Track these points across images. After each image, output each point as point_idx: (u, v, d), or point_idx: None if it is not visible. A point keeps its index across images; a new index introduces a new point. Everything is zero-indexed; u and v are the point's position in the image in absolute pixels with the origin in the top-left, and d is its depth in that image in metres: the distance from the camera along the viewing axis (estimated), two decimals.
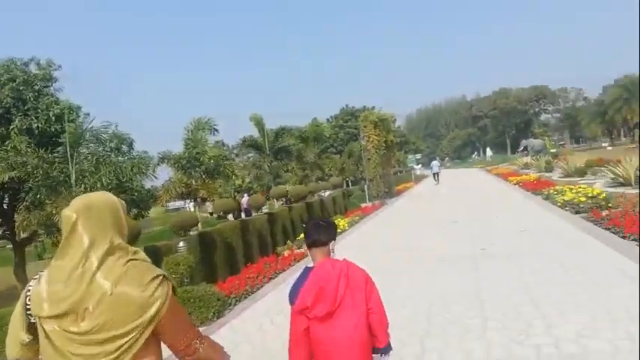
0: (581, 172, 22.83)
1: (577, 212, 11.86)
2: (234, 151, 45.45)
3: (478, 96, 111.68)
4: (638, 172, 15.28)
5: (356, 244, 12.46)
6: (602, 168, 20.29)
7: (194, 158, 12.67)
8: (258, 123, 20.03)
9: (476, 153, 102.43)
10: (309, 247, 2.59)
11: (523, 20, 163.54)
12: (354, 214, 19.46)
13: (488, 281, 6.87)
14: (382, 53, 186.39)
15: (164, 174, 15.71)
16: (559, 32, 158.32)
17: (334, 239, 2.61)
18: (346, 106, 67.11)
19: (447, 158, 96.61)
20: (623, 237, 7.99)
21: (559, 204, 13.34)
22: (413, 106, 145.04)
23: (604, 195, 12.31)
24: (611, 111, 65.28)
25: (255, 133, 22.26)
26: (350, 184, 39.63)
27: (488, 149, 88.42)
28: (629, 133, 66.04)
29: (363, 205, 23.86)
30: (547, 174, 27.47)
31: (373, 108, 43.45)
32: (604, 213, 10.35)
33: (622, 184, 15.94)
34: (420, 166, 62.33)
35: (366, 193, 27.00)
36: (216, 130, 14.93)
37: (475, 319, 5.37)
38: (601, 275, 6.24)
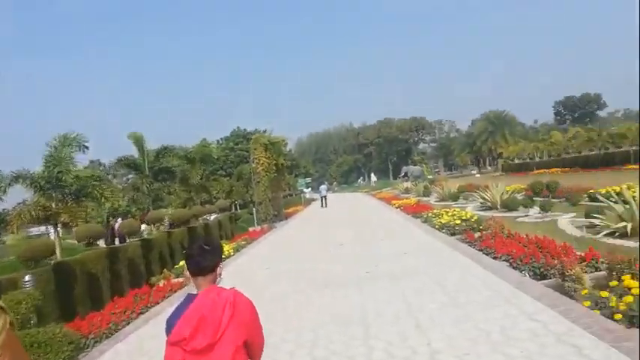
0: (454, 197, 24.66)
1: (453, 234, 12.50)
2: (111, 171, 41.98)
3: (364, 124, 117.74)
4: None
5: (240, 270, 11.83)
6: (473, 193, 22.09)
7: (55, 178, 11.04)
8: (137, 141, 18.53)
9: (362, 178, 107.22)
10: (193, 275, 2.22)
11: (405, 57, 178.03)
12: (241, 238, 18.79)
13: (373, 305, 6.73)
14: (275, 79, 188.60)
15: (20, 196, 13.63)
16: (434, 69, 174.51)
17: (220, 262, 2.28)
18: (237, 128, 66.32)
19: (335, 183, 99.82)
20: (495, 258, 8.42)
21: (437, 226, 14.01)
22: (304, 131, 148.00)
23: (476, 218, 13.17)
24: (478, 142, 72.99)
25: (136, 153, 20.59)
26: (238, 207, 38.71)
27: (372, 175, 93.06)
28: (493, 162, 73.97)
29: (251, 228, 23.25)
30: (425, 198, 29.29)
31: (265, 131, 43.36)
32: (476, 235, 10.96)
33: (490, 208, 17.42)
34: (309, 189, 63.30)
35: (255, 217, 26.40)
36: (86, 147, 13.37)
37: (360, 349, 5.10)
38: (478, 296, 6.37)
